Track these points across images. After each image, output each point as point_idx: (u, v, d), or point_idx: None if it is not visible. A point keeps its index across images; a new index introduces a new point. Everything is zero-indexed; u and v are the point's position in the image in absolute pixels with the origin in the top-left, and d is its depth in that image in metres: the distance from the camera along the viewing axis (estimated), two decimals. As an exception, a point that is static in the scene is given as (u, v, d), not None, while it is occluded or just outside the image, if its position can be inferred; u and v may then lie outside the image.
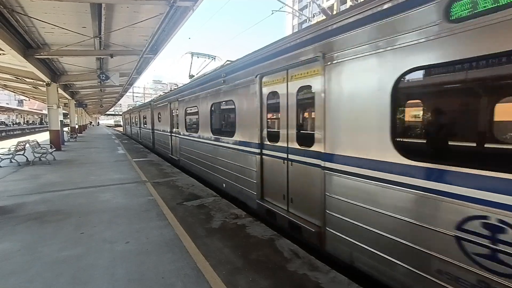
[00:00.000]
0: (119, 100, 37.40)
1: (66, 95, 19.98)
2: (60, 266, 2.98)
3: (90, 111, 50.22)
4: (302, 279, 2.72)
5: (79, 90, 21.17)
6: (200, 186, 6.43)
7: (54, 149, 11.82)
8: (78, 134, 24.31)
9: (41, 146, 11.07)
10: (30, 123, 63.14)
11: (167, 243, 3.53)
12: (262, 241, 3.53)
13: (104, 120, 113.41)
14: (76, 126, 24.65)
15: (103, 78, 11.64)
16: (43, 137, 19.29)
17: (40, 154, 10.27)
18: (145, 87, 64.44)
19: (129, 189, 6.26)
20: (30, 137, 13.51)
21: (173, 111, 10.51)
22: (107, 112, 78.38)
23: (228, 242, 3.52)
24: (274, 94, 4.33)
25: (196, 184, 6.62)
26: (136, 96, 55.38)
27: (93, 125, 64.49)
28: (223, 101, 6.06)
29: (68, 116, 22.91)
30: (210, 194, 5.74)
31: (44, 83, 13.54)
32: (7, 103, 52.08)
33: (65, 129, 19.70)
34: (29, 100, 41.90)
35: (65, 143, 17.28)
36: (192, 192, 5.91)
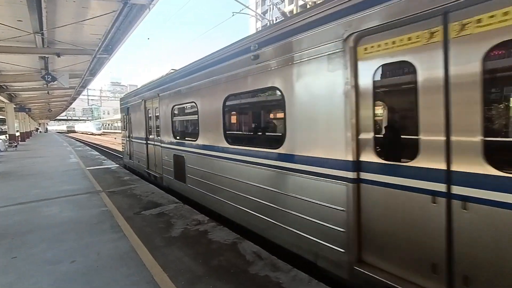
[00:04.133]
0: (71, 103, 34.04)
1: (2, 98, 17.52)
2: (-15, 297, 2.54)
3: (36, 116, 44.84)
4: (264, 280, 2.71)
5: (19, 92, 18.75)
6: (160, 193, 6.09)
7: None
8: (20, 142, 21.48)
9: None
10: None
11: (121, 257, 3.25)
12: (224, 246, 3.45)
13: (55, 126, 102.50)
14: (17, 134, 21.74)
15: (48, 79, 10.46)
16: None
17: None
18: (102, 89, 59.64)
19: (80, 200, 5.67)
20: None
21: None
22: (58, 117, 70.89)
23: (188, 250, 3.37)
24: (396, 67, 2.39)
25: (156, 191, 6.26)
26: (92, 99, 50.96)
27: (40, 131, 57.58)
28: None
29: (6, 122, 20.10)
30: (172, 201, 5.46)
31: (-28, 84, 11.71)
32: None
33: (1, 137, 17.24)
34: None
35: (1, 153, 15.11)
36: (152, 200, 5.57)
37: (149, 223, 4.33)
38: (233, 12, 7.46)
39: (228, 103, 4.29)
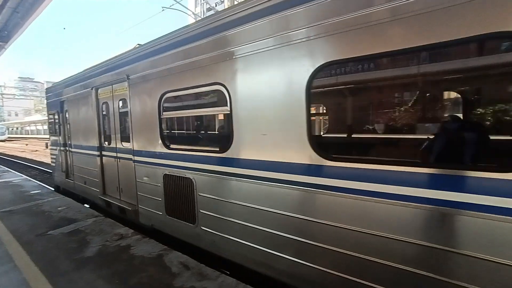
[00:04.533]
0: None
1: None
2: None
3: None
4: (189, 292, 2.54)
5: None
6: (77, 207, 5.23)
7: None
8: None
9: None
10: None
11: (8, 294, 2.61)
12: (148, 260, 3.12)
13: None
14: None
15: None
16: None
17: None
18: (6, 85, 48.45)
19: (-45, 227, 4.39)
20: None
21: None
22: None
23: (103, 271, 2.93)
24: None
25: (72, 206, 5.35)
26: (-9, 97, 40.91)
27: None
28: None
29: None
30: (90, 215, 4.73)
31: None
32: None
33: None
34: None
35: None
36: (65, 216, 4.72)
37: (56, 244, 3.64)
38: (163, 7, 6.94)
39: (321, 81, 2.34)
